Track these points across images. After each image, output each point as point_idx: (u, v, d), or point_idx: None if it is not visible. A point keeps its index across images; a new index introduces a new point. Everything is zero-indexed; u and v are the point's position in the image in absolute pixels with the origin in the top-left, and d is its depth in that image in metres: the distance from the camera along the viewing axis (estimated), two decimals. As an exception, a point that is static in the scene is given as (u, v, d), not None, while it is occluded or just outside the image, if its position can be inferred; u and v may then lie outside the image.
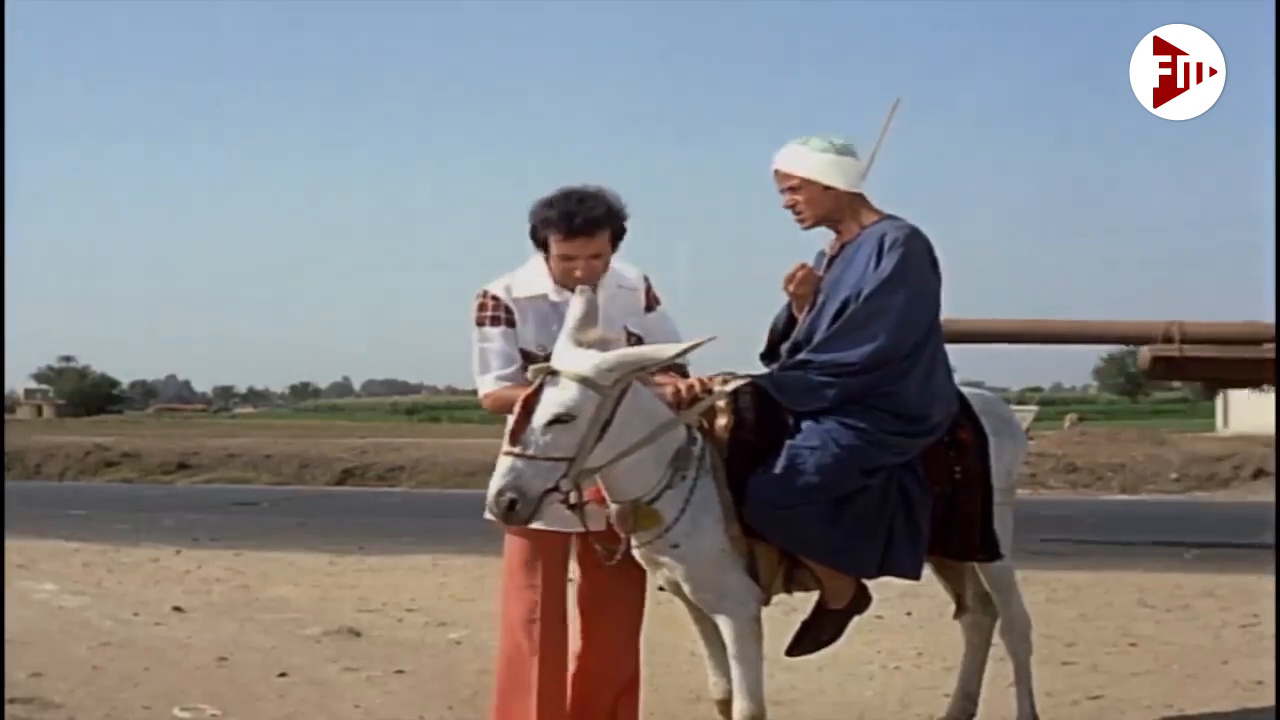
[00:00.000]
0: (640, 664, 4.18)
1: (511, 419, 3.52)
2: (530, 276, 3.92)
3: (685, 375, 3.86)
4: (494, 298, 3.87)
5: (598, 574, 3.96)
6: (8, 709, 4.96)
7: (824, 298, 3.88)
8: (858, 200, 3.90)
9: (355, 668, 5.85)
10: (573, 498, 3.52)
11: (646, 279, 4.06)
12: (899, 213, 3.93)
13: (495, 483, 3.43)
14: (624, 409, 3.52)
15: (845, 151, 3.86)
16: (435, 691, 5.41)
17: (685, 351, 3.52)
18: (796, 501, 3.65)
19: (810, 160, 3.84)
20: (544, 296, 3.88)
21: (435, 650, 6.29)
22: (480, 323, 3.87)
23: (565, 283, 3.85)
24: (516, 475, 3.41)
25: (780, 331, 4.05)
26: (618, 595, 4.04)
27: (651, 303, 4.05)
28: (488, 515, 3.91)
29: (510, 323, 3.86)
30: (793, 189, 3.87)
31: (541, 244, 3.89)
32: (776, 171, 3.90)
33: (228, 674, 5.77)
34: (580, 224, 3.77)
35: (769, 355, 4.06)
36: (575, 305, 3.61)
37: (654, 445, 3.60)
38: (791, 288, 3.94)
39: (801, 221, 3.92)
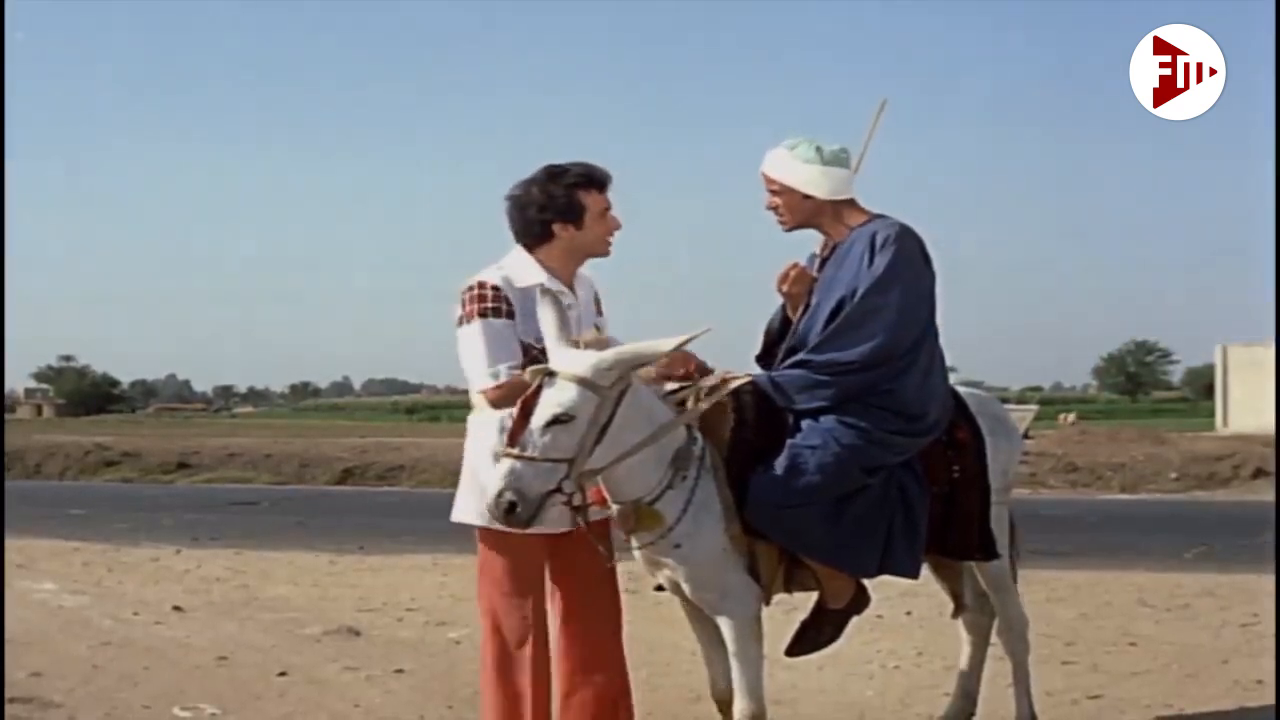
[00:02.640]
0: (626, 662, 4.16)
1: (510, 421, 3.50)
2: (522, 268, 3.87)
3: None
4: (494, 288, 3.78)
5: (573, 578, 3.96)
6: (8, 709, 4.97)
7: (817, 299, 3.88)
8: (842, 204, 3.90)
9: (355, 667, 5.85)
10: (576, 499, 3.50)
11: (593, 287, 4.11)
12: (896, 212, 3.93)
13: (494, 485, 3.42)
14: (624, 409, 3.51)
15: (833, 160, 3.85)
16: (435, 691, 5.41)
17: (683, 344, 3.50)
18: (798, 501, 3.65)
19: (793, 169, 3.86)
20: (540, 287, 3.83)
21: (435, 650, 6.29)
22: (482, 314, 3.75)
23: (606, 238, 3.90)
24: (516, 477, 3.38)
25: (775, 333, 4.05)
26: (599, 597, 4.02)
27: (599, 308, 4.09)
28: (456, 519, 3.91)
29: (511, 314, 3.78)
30: (774, 192, 3.90)
31: (544, 232, 3.85)
32: (763, 173, 3.92)
33: (228, 673, 5.77)
34: (606, 173, 3.89)
35: (765, 357, 4.07)
36: (549, 310, 3.57)
37: (654, 446, 3.60)
38: (785, 287, 3.96)
39: (781, 224, 3.95)
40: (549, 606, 4.03)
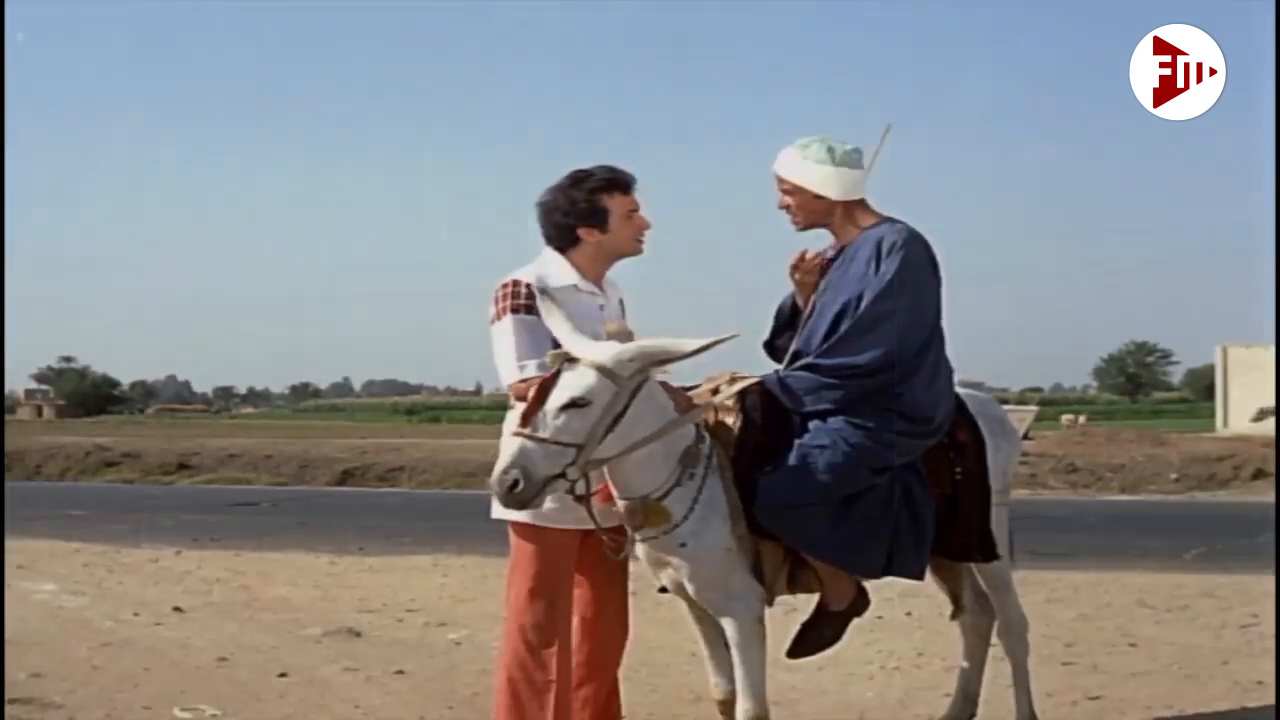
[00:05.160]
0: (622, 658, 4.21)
1: (526, 402, 3.51)
2: (556, 269, 3.91)
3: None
4: (528, 286, 3.79)
5: (595, 570, 3.98)
6: (8, 709, 4.97)
7: (821, 301, 3.89)
8: (854, 205, 3.91)
9: (355, 668, 5.85)
10: (579, 488, 3.51)
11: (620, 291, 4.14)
12: (898, 213, 3.94)
13: (501, 461, 3.41)
14: (638, 403, 3.52)
15: (844, 161, 3.86)
16: (435, 691, 5.42)
17: (707, 347, 3.51)
18: (807, 501, 3.66)
19: (805, 170, 3.87)
20: (573, 287, 3.89)
21: (435, 650, 6.29)
22: (515, 310, 3.77)
23: (635, 239, 3.93)
24: (525, 455, 3.40)
25: (786, 317, 4.06)
26: (611, 589, 4.07)
27: (623, 313, 4.11)
28: (496, 515, 3.90)
29: None
30: (787, 192, 3.92)
31: (570, 236, 3.89)
32: (775, 173, 3.93)
33: (228, 674, 5.77)
34: (630, 175, 3.91)
35: (775, 340, 4.09)
36: (554, 308, 3.60)
37: (663, 442, 3.61)
38: (798, 275, 3.97)
39: (795, 224, 3.97)
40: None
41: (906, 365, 3.74)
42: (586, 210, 3.86)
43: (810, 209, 3.90)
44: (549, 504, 3.58)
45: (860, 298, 3.76)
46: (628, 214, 3.90)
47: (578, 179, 3.88)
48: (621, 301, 4.11)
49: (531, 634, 3.92)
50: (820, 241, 4.06)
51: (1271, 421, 29.16)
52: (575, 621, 4.05)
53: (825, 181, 3.85)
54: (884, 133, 3.97)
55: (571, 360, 3.49)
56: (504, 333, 3.80)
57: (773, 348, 4.10)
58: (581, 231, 3.88)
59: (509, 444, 3.46)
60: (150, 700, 5.27)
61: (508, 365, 3.80)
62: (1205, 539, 11.18)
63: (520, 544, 3.95)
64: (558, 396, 3.44)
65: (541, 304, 3.64)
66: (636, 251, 3.98)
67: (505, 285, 3.83)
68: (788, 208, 3.93)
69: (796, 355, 3.90)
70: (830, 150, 3.85)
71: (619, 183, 3.89)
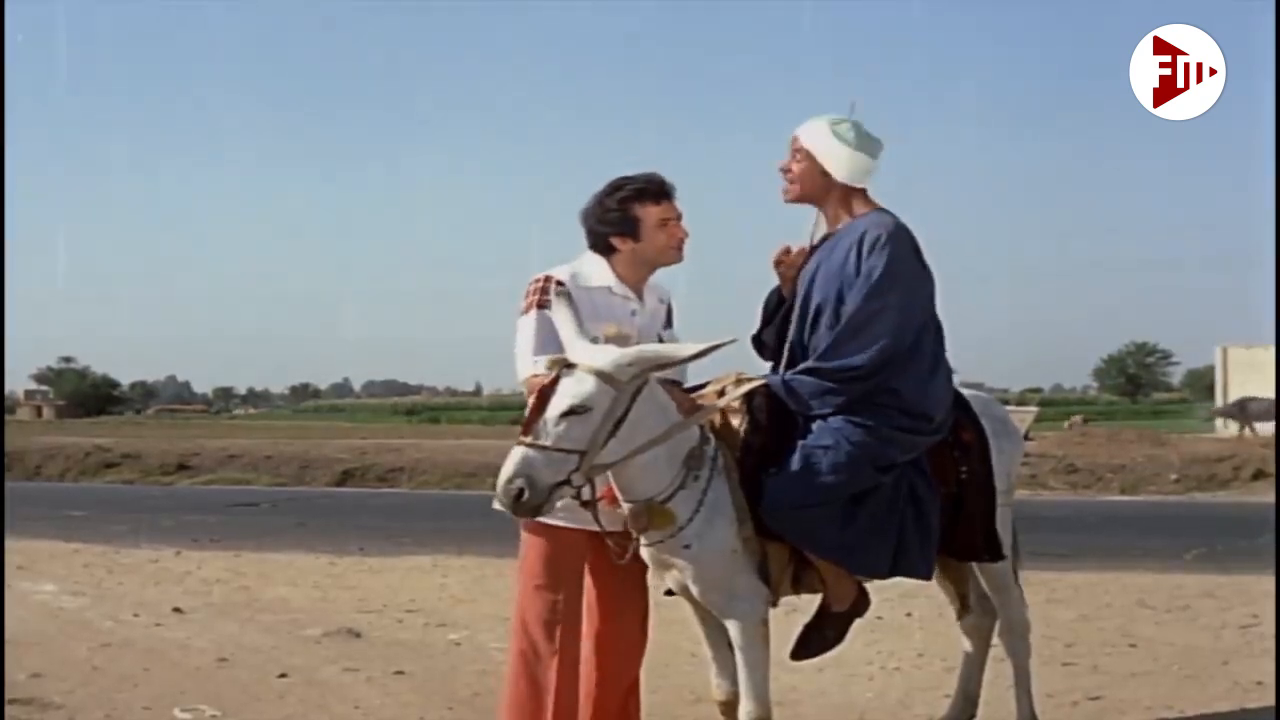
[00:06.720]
0: (642, 659, 4.20)
1: (527, 409, 3.52)
2: (592, 269, 3.94)
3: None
4: (559, 283, 3.81)
5: (609, 576, 3.97)
6: (8, 709, 4.97)
7: (802, 289, 3.90)
8: (854, 193, 3.90)
9: (355, 668, 5.85)
10: (584, 493, 3.51)
11: (668, 296, 4.16)
12: (898, 213, 3.92)
13: (505, 471, 3.41)
14: (639, 406, 3.51)
15: (863, 147, 3.86)
16: (435, 692, 5.42)
17: (705, 353, 3.51)
18: (814, 501, 3.65)
19: (825, 142, 3.86)
20: (608, 289, 3.91)
21: (435, 651, 6.29)
22: (541, 305, 3.81)
23: (671, 247, 3.94)
24: (528, 464, 3.39)
25: (772, 309, 4.06)
26: (629, 596, 4.06)
27: (670, 320, 4.13)
28: (497, 506, 3.91)
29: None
30: (796, 154, 3.89)
31: (605, 244, 3.93)
32: (795, 135, 3.92)
33: (228, 674, 5.77)
34: (667, 185, 3.93)
35: (762, 331, 4.08)
36: (564, 309, 3.61)
37: (667, 445, 3.60)
38: (781, 269, 3.98)
39: (786, 193, 3.94)
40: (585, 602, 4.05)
41: (900, 360, 3.74)
42: (617, 219, 3.90)
43: (808, 180, 3.88)
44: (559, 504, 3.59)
45: (839, 294, 3.77)
46: (660, 223, 3.91)
47: (613, 188, 3.92)
48: (670, 308, 4.13)
49: (535, 630, 3.93)
50: (800, 236, 4.05)
51: (1220, 422, 29.30)
52: (593, 624, 4.04)
53: (839, 160, 3.84)
54: (850, 110, 3.94)
55: (570, 366, 3.49)
56: (527, 326, 3.85)
57: (760, 342, 4.10)
58: (614, 240, 3.93)
59: (513, 453, 3.45)
60: (150, 700, 5.27)
61: (524, 358, 3.85)
62: (1205, 539, 11.19)
63: (530, 539, 3.98)
64: (557, 404, 3.43)
65: (555, 302, 3.64)
66: (673, 260, 4.00)
67: (537, 280, 3.88)
68: (787, 170, 3.91)
69: (792, 350, 3.89)
70: (858, 133, 3.85)
71: (650, 192, 3.91)
